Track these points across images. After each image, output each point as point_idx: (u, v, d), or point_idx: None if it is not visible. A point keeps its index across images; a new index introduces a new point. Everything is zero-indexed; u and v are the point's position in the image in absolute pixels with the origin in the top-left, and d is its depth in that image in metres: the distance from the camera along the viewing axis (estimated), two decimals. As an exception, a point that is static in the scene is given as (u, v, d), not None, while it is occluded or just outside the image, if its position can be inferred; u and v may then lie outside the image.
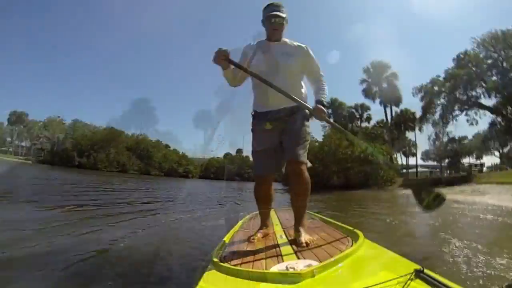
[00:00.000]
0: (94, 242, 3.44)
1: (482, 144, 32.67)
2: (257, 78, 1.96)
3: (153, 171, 43.11)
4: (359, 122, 38.68)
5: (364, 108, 37.99)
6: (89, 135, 45.28)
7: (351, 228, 1.84)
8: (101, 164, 41.53)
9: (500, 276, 1.97)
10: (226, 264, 1.44)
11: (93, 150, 42.87)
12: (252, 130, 2.17)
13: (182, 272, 2.71)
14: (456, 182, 19.92)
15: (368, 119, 38.28)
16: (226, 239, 2.09)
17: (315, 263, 1.26)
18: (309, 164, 2.02)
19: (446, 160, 38.22)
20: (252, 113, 2.17)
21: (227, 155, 47.99)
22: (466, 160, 38.39)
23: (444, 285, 0.90)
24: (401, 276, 0.96)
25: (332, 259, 1.25)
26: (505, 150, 33.75)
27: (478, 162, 37.07)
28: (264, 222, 2.20)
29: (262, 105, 2.08)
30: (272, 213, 3.13)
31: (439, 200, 1.92)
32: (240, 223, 2.88)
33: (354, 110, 38.53)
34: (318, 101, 2.04)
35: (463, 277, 2.46)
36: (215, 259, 1.52)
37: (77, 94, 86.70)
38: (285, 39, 2.12)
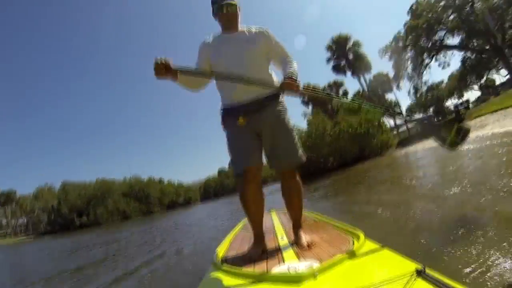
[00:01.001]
0: None
1: (459, 83, 33.06)
2: (219, 78, 1.81)
3: (155, 209, 42.39)
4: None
5: (338, 84, 38.00)
6: (82, 193, 44.29)
7: (352, 227, 1.80)
8: (103, 218, 40.70)
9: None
10: (227, 265, 1.46)
11: (90, 206, 42.05)
12: (224, 130, 1.92)
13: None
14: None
15: (345, 94, 38.30)
16: (228, 240, 2.16)
17: (316, 264, 1.25)
18: (304, 159, 1.86)
19: (431, 109, 38.54)
20: (221, 111, 1.94)
21: (221, 171, 47.69)
22: (449, 103, 38.82)
23: (446, 284, 0.88)
24: (402, 276, 0.96)
25: (333, 259, 1.25)
26: (483, 81, 34.24)
27: (460, 101, 37.40)
28: (258, 236, 1.83)
29: (231, 100, 1.86)
30: (273, 214, 3.18)
31: (463, 133, 1.77)
32: (241, 224, 2.94)
33: (328, 90, 38.51)
34: (286, 75, 1.79)
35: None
36: (217, 260, 1.56)
37: (55, 153, 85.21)
38: (241, 27, 1.95)
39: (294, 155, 1.83)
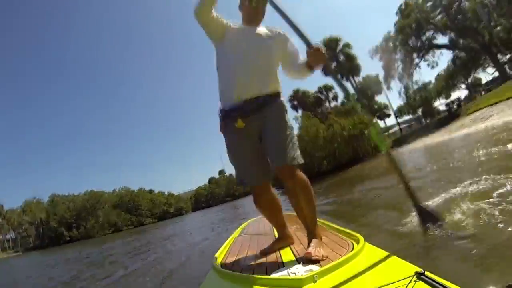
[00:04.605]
0: None
1: (447, 82, 33.32)
2: None
3: (146, 220, 41.44)
4: (327, 104, 38.50)
5: (327, 88, 37.85)
6: (71, 206, 43.15)
7: (351, 231, 1.76)
8: (93, 231, 39.62)
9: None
10: (227, 270, 1.44)
11: (80, 219, 40.96)
12: (223, 134, 1.84)
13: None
14: (444, 123, 19.87)
15: (335, 97, 38.18)
16: (228, 244, 2.16)
17: (316, 268, 1.24)
18: (301, 161, 1.70)
19: (420, 110, 38.73)
20: (219, 113, 1.83)
21: (211, 180, 47.27)
22: (437, 103, 39.06)
23: (446, 287, 0.87)
24: (402, 279, 0.96)
25: (333, 263, 1.22)
26: (469, 80, 34.55)
27: (449, 100, 37.67)
28: (282, 232, 1.92)
29: (229, 100, 1.75)
30: None
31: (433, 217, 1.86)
32: (240, 228, 2.95)
33: (319, 94, 38.33)
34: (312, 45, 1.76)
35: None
36: (216, 265, 1.55)
37: (43, 167, 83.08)
38: (261, 25, 1.91)
39: (293, 156, 1.67)
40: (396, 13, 29.31)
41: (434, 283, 0.90)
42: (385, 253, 1.35)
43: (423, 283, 0.92)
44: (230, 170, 52.59)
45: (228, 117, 1.76)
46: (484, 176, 3.30)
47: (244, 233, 2.70)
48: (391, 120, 40.75)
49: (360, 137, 20.63)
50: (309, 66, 1.73)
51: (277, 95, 1.81)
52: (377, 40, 32.69)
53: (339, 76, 2.05)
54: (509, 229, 1.83)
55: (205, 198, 44.90)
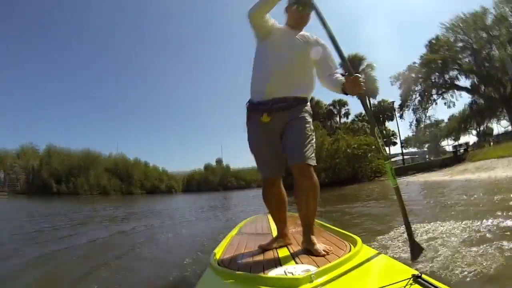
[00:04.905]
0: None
1: (459, 125, 33.23)
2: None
3: (135, 190, 41.29)
4: (337, 119, 38.58)
5: (341, 103, 37.94)
6: (65, 161, 43.14)
7: (349, 233, 1.80)
8: (82, 189, 39.68)
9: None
10: (224, 268, 1.44)
11: (71, 175, 40.97)
12: (247, 125, 1.95)
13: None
14: (448, 164, 19.93)
15: (347, 114, 38.30)
16: (225, 242, 2.15)
17: (313, 268, 1.24)
18: (315, 163, 1.79)
19: (426, 145, 38.68)
20: (247, 105, 1.94)
21: (207, 166, 47.10)
22: (444, 143, 39.00)
23: None
24: (399, 281, 0.96)
25: (330, 264, 1.24)
26: (482, 128, 34.46)
27: (458, 142, 37.68)
28: (282, 230, 1.97)
29: (260, 94, 1.86)
30: (269, 217, 3.10)
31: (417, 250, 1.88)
32: (238, 227, 2.94)
33: (332, 107, 38.40)
34: (350, 72, 1.77)
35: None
36: (213, 263, 1.54)
37: (48, 117, 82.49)
38: (304, 31, 2.00)
39: (308, 153, 1.75)
40: (425, 46, 29.20)
41: (431, 286, 0.91)
42: (382, 255, 1.39)
43: (419, 286, 0.94)
44: (228, 160, 52.48)
45: (255, 110, 1.86)
46: (474, 219, 3.57)
47: (242, 231, 2.70)
48: (396, 149, 40.78)
49: (362, 158, 20.69)
50: (344, 90, 1.76)
51: (304, 100, 1.88)
52: (397, 70, 32.51)
53: (369, 107, 2.11)
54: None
55: (197, 183, 44.67)
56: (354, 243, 1.58)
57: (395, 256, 1.20)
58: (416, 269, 1.06)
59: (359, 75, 1.74)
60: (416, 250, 1.85)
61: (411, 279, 0.96)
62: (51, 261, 3.77)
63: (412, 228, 1.89)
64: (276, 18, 1.96)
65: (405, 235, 1.91)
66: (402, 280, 0.97)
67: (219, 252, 1.85)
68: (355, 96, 1.98)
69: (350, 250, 1.49)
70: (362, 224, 4.67)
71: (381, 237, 3.38)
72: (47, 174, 41.98)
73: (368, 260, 1.32)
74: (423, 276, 0.97)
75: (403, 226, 1.88)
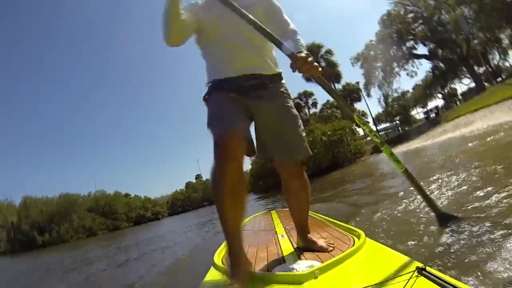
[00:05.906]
0: None
1: (424, 92, 34.19)
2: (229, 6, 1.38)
3: (122, 224, 40.24)
4: (306, 110, 38.64)
5: (307, 94, 38.04)
6: (44, 209, 41.39)
7: (352, 227, 1.74)
8: (67, 235, 38.11)
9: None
10: (228, 266, 1.36)
11: (53, 223, 39.29)
12: (207, 102, 1.47)
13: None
14: (424, 130, 20.15)
15: (315, 104, 38.40)
16: None
17: (317, 264, 1.23)
18: (310, 152, 1.58)
19: (397, 118, 39.47)
20: (208, 83, 1.49)
21: (188, 184, 46.69)
22: (414, 112, 39.92)
23: (446, 282, 0.88)
24: (403, 274, 0.97)
25: (334, 259, 1.21)
26: (446, 90, 35.58)
27: (426, 109, 38.65)
28: (236, 257, 1.25)
29: (224, 69, 1.44)
30: (273, 214, 3.14)
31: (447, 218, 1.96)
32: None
33: (298, 100, 38.47)
34: (299, 50, 1.37)
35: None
36: (216, 261, 1.55)
37: (16, 169, 79.19)
38: None
39: (304, 147, 1.53)
40: (378, 23, 29.92)
41: (435, 278, 0.91)
42: (386, 249, 1.35)
43: (424, 278, 0.93)
44: (207, 175, 52.20)
45: (218, 89, 1.44)
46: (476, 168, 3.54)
47: (244, 229, 2.60)
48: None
49: (339, 143, 20.65)
50: (295, 62, 1.34)
51: (278, 76, 1.55)
52: (359, 48, 33.16)
53: (335, 91, 1.87)
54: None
55: (181, 203, 44.10)
56: (358, 236, 1.54)
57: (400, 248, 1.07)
58: (421, 262, 1.02)
59: (308, 54, 1.34)
60: (445, 218, 1.92)
61: (416, 271, 0.96)
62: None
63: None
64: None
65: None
66: (407, 273, 0.97)
67: (223, 250, 1.81)
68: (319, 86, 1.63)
69: (353, 244, 1.46)
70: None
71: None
72: (28, 227, 40.10)
73: (371, 253, 1.31)
74: (427, 268, 0.97)
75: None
